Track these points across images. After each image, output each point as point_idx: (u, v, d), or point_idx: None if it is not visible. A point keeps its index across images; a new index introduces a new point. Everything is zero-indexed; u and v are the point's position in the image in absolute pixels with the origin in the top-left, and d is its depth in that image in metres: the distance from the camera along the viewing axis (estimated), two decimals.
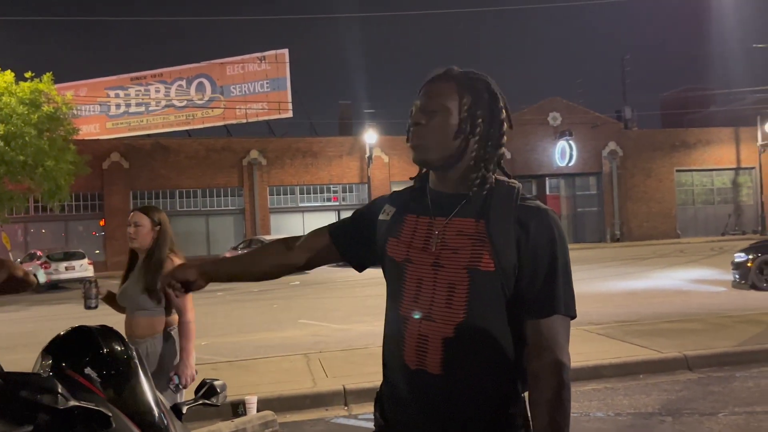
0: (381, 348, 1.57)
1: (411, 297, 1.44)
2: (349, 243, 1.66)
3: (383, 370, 1.55)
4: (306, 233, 1.75)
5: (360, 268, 1.70)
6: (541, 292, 1.37)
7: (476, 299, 1.37)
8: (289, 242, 1.73)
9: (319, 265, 1.73)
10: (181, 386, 3.19)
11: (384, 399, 1.54)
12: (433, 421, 1.40)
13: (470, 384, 1.38)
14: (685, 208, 31.94)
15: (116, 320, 2.93)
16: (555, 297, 1.37)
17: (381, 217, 1.58)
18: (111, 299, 3.45)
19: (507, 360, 1.40)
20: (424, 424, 1.42)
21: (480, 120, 1.45)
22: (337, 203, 29.65)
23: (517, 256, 1.37)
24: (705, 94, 38.58)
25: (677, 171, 31.75)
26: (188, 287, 1.74)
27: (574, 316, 1.40)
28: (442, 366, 1.37)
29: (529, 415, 1.37)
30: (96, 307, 3.34)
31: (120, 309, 3.45)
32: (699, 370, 6.02)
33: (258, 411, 5.05)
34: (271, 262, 1.73)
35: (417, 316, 1.42)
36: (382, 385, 1.56)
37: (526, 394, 1.43)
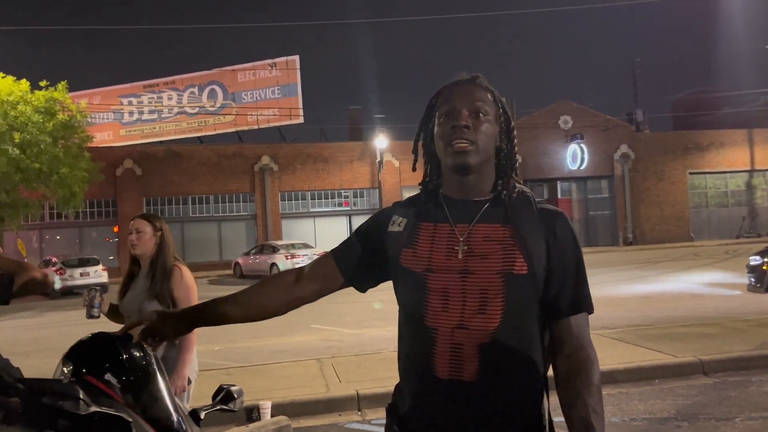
0: (394, 353, 1.55)
1: (438, 307, 1.41)
2: (356, 265, 1.59)
3: (401, 384, 1.52)
4: (308, 266, 1.64)
5: (363, 289, 1.64)
6: (571, 292, 1.44)
7: (511, 303, 1.38)
8: (290, 275, 1.63)
9: (327, 294, 1.63)
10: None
11: (402, 411, 1.49)
12: (467, 429, 1.39)
13: (507, 387, 1.39)
14: (699, 211, 31.67)
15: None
16: (583, 295, 1.45)
17: (391, 228, 1.54)
18: (111, 311, 3.42)
19: (539, 360, 1.44)
20: None
21: (513, 128, 1.53)
22: (348, 208, 29.71)
23: (546, 258, 1.42)
24: (717, 95, 38.24)
25: (690, 173, 31.51)
26: (164, 338, 1.61)
27: (592, 312, 1.48)
28: (478, 373, 1.37)
29: (565, 414, 1.38)
30: (98, 316, 3.31)
31: (119, 320, 3.39)
32: (715, 375, 5.97)
33: (272, 416, 5.08)
34: (274, 299, 1.61)
35: (449, 326, 1.40)
36: (395, 397, 1.54)
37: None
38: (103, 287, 3.77)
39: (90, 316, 3.31)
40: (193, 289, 3.28)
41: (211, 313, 1.61)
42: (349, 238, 1.65)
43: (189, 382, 3.28)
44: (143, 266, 3.33)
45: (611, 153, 30.61)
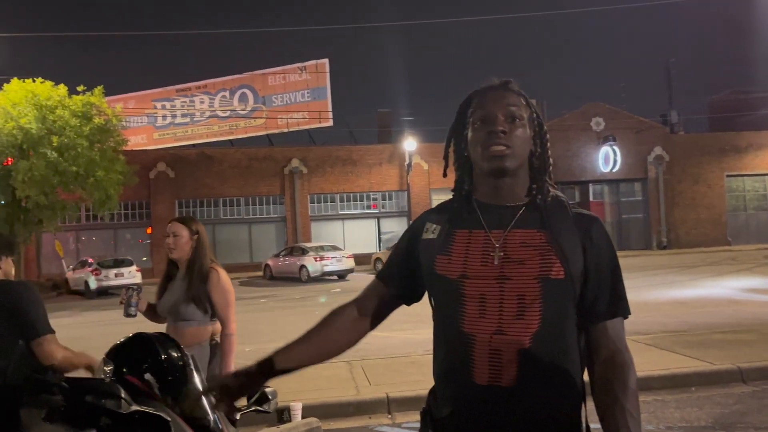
0: (423, 356, 1.56)
1: (475, 313, 1.41)
2: (400, 280, 1.60)
3: (437, 389, 1.52)
4: (360, 294, 1.67)
5: (410, 303, 1.65)
6: (607, 296, 1.44)
7: (549, 308, 1.38)
8: (352, 310, 1.64)
9: (387, 316, 1.67)
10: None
11: (437, 416, 1.49)
12: None
13: (546, 393, 1.39)
14: (737, 215, 30.88)
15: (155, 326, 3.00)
16: (619, 299, 1.46)
17: (425, 236, 1.54)
18: (148, 310, 3.46)
19: (577, 365, 1.44)
20: None
21: (545, 131, 1.54)
22: (377, 210, 29.77)
23: (583, 263, 1.42)
24: (755, 96, 37.22)
25: (727, 176, 30.76)
26: (242, 396, 1.64)
27: (629, 316, 1.49)
28: (517, 378, 1.37)
29: (601, 418, 1.38)
30: (135, 315, 3.37)
31: (156, 319, 3.45)
32: (753, 383, 5.81)
33: (302, 417, 5.11)
34: (346, 336, 1.63)
35: (486, 333, 1.40)
36: (430, 402, 1.54)
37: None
38: (139, 287, 3.87)
39: (127, 314, 3.37)
40: (230, 292, 3.30)
41: (288, 363, 1.61)
42: (389, 257, 1.67)
43: None
44: (180, 268, 3.37)
45: (645, 155, 30.07)
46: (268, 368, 1.59)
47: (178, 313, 3.25)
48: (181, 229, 3.32)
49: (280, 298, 16.81)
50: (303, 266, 21.62)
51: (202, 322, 3.25)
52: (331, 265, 21.56)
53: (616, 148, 29.31)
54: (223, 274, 3.31)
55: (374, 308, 1.64)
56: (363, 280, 21.20)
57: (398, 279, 1.61)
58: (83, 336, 11.20)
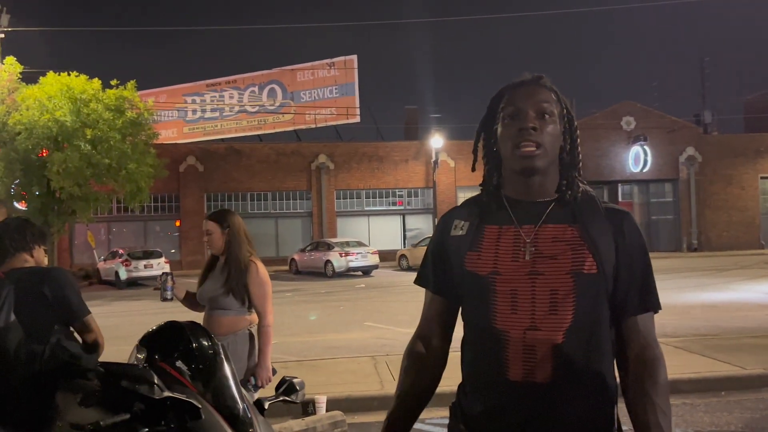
0: (454, 354, 1.55)
1: (506, 310, 1.40)
2: (445, 282, 1.54)
3: (467, 385, 1.51)
4: (419, 322, 1.61)
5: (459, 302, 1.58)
6: (638, 291, 1.43)
7: (582, 303, 1.38)
8: (419, 345, 1.57)
9: (453, 326, 1.59)
10: (258, 387, 3.29)
11: (469, 412, 1.48)
12: (541, 431, 1.38)
13: (581, 389, 1.38)
14: None
15: (189, 316, 3.05)
16: (650, 293, 1.45)
17: (453, 233, 1.52)
18: (187, 298, 3.57)
19: (610, 360, 1.44)
20: None
21: (576, 128, 1.52)
22: (402, 207, 29.74)
23: (615, 257, 1.41)
24: None
25: (762, 178, 30.00)
26: None
27: (659, 310, 1.48)
28: (552, 374, 1.36)
29: (632, 412, 1.37)
30: (171, 299, 3.47)
31: (195, 307, 3.56)
32: None
33: (327, 411, 5.14)
34: (430, 372, 1.57)
35: (520, 329, 1.39)
36: (460, 397, 1.53)
37: None
38: (172, 274, 4.01)
39: (163, 298, 3.48)
40: (267, 284, 3.38)
41: (404, 425, 1.58)
42: (425, 261, 1.61)
43: (274, 372, 3.37)
44: (221, 261, 3.46)
45: (676, 156, 29.49)
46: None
47: (216, 303, 3.34)
48: (213, 226, 3.41)
49: (306, 292, 16.92)
50: (328, 261, 21.73)
51: (239, 312, 3.33)
52: (356, 260, 21.63)
53: (646, 147, 28.81)
54: (261, 267, 3.38)
55: (441, 327, 1.57)
56: (387, 276, 21.23)
57: (446, 284, 1.54)
58: (113, 325, 11.42)
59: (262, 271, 3.36)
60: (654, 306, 1.45)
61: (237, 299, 3.30)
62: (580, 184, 1.50)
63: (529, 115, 1.44)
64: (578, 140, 1.53)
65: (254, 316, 3.40)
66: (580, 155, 1.53)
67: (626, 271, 1.42)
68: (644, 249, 1.46)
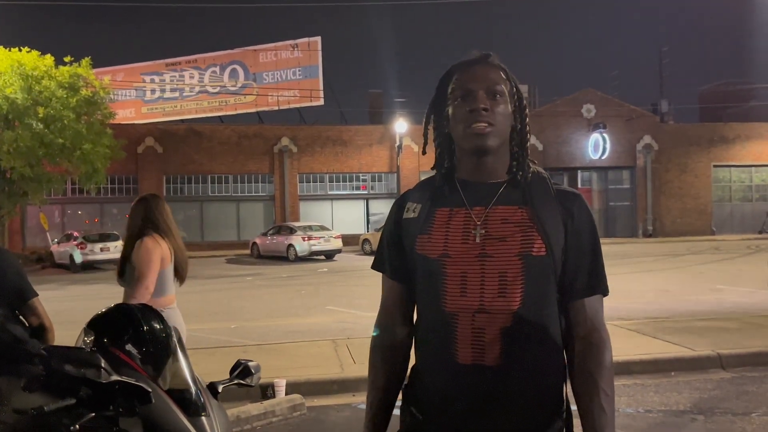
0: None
1: (456, 292, 1.39)
2: (402, 266, 1.53)
3: (418, 370, 1.50)
4: (379, 310, 1.60)
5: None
6: (587, 273, 1.43)
7: (531, 285, 1.38)
8: (387, 334, 1.57)
9: (414, 311, 1.57)
10: None
11: (420, 395, 1.48)
12: (491, 413, 1.38)
13: (529, 370, 1.38)
14: (722, 205, 31.17)
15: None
16: (598, 277, 1.45)
17: (406, 215, 1.51)
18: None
19: (559, 342, 1.44)
20: (479, 418, 1.39)
21: (525, 106, 1.50)
22: (366, 192, 29.72)
23: (564, 239, 1.41)
24: (745, 88, 37.42)
25: (714, 166, 30.98)
26: None
27: (607, 294, 1.48)
28: (501, 357, 1.36)
29: (576, 394, 1.40)
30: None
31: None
32: (733, 370, 5.90)
33: (286, 394, 5.13)
34: (399, 358, 1.56)
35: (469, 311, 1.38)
36: (412, 379, 1.52)
37: None
38: None
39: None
40: (144, 260, 3.32)
41: (386, 414, 1.57)
42: (379, 247, 1.60)
43: None
44: None
45: (634, 143, 30.19)
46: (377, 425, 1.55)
47: (122, 279, 3.48)
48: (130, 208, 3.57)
49: (267, 276, 16.79)
50: (291, 245, 21.58)
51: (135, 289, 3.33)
52: (319, 244, 21.54)
53: (605, 135, 29.39)
54: (148, 243, 3.36)
55: (402, 311, 1.57)
56: (350, 260, 21.22)
57: (402, 267, 1.53)
58: (67, 309, 11.13)
59: (147, 244, 3.35)
60: (602, 289, 1.45)
61: (133, 276, 3.33)
62: (531, 165, 1.49)
63: (480, 95, 1.42)
64: (527, 119, 1.50)
65: (162, 300, 3.38)
66: (530, 135, 1.51)
67: (574, 254, 1.42)
68: (594, 232, 1.45)
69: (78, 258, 20.24)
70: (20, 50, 19.44)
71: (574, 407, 1.45)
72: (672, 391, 5.30)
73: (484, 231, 1.41)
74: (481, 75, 1.44)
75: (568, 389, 1.46)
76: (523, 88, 1.58)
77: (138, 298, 3.18)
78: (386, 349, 1.56)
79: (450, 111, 1.47)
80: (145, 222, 3.42)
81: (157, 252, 3.33)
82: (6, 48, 19.37)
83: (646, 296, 10.71)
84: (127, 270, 3.38)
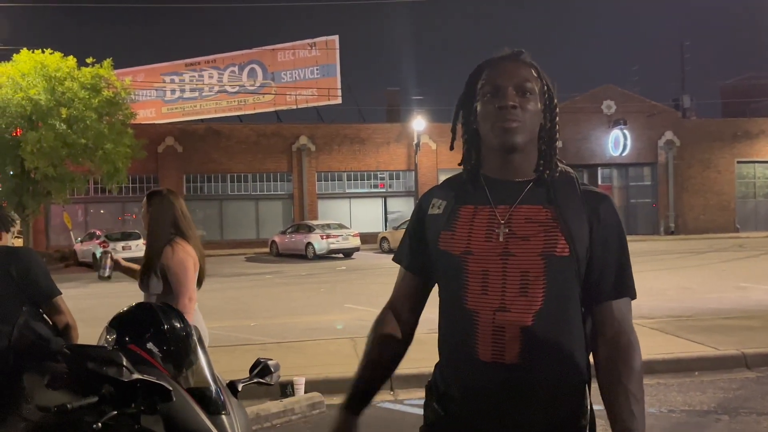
0: (426, 335, 1.54)
1: (478, 290, 1.39)
2: (422, 262, 1.54)
3: (441, 366, 1.51)
4: (393, 293, 1.62)
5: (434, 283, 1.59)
6: (614, 276, 1.41)
7: (553, 285, 1.36)
8: (390, 317, 1.59)
9: (425, 302, 1.60)
10: None
11: (442, 391, 1.49)
12: (511, 411, 1.37)
13: (549, 371, 1.37)
14: (746, 201, 30.63)
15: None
16: (626, 280, 1.43)
17: (431, 212, 1.51)
18: (127, 271, 3.62)
19: (581, 344, 1.42)
20: (500, 416, 1.38)
21: (555, 105, 1.48)
22: (384, 190, 29.71)
23: (589, 241, 1.39)
24: None
25: (738, 162, 30.45)
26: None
27: (635, 297, 1.45)
28: (520, 355, 1.35)
29: (604, 398, 1.37)
30: (109, 276, 3.55)
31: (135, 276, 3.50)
32: (758, 369, 5.80)
33: (305, 392, 5.14)
34: (398, 342, 1.58)
35: (490, 309, 1.38)
36: (436, 376, 1.53)
37: None
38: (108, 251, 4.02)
39: (100, 276, 3.55)
40: (180, 267, 3.16)
41: (368, 396, 1.60)
42: (403, 240, 1.61)
43: None
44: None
45: (655, 140, 29.78)
46: (357, 403, 1.58)
47: (143, 284, 3.27)
48: (144, 204, 3.37)
49: (286, 274, 16.87)
50: (309, 243, 21.67)
51: (164, 296, 3.17)
52: (337, 243, 21.60)
53: (626, 131, 29.05)
54: (179, 250, 3.17)
55: (411, 303, 1.58)
56: (368, 258, 21.24)
57: (420, 262, 1.54)
58: (89, 307, 11.29)
59: (179, 254, 3.18)
60: (630, 292, 1.43)
61: (159, 281, 3.17)
62: (559, 164, 1.47)
63: (510, 92, 1.40)
64: (557, 119, 1.49)
65: (180, 303, 3.15)
66: (559, 134, 1.50)
67: (600, 255, 1.40)
68: (621, 234, 1.43)
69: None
70: (43, 52, 19.76)
71: (598, 407, 1.43)
72: (695, 391, 5.22)
73: (507, 230, 1.40)
74: (511, 72, 1.43)
75: (592, 392, 1.45)
76: None
77: (184, 313, 3.14)
78: (387, 327, 1.58)
79: (478, 107, 1.46)
80: (174, 228, 3.26)
81: (191, 261, 3.22)
82: (30, 50, 19.69)
83: (669, 294, 10.56)
84: (152, 279, 3.19)
